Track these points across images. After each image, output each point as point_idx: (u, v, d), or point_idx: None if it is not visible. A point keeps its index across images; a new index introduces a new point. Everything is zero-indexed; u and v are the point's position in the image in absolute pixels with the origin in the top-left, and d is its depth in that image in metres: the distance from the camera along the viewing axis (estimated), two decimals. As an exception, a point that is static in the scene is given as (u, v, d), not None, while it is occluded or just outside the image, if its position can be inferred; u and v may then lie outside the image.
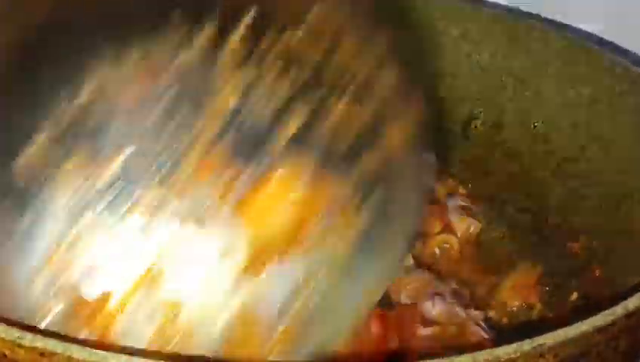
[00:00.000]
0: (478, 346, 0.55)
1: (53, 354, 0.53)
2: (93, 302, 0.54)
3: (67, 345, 0.53)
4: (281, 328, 0.54)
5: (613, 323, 0.59)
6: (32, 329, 0.54)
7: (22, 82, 0.55)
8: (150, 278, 0.53)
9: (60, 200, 0.52)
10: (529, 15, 1.04)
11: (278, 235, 0.55)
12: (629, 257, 0.81)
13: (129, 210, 0.53)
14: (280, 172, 0.54)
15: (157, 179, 0.53)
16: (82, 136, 0.54)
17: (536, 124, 0.94)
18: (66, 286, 0.54)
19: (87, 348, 0.53)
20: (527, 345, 0.56)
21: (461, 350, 0.55)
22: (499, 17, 0.96)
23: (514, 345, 0.56)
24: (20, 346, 0.54)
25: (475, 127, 0.98)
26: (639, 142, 0.83)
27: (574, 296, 0.83)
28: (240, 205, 0.54)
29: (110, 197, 0.53)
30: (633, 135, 0.84)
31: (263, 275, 0.54)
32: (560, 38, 0.92)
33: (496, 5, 1.06)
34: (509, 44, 0.96)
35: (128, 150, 0.53)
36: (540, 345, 0.56)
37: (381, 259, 0.61)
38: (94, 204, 0.53)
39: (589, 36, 1.05)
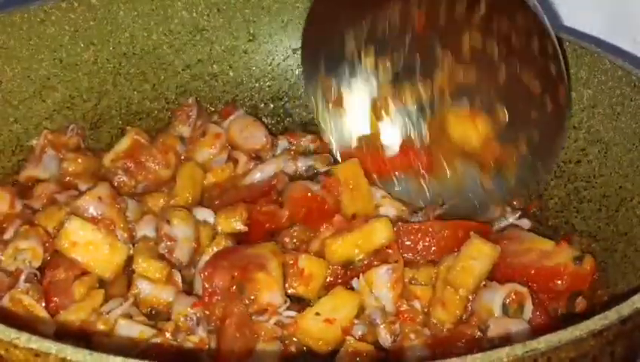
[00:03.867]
0: (470, 350, 0.55)
1: (47, 354, 0.54)
2: None
3: (61, 346, 0.54)
4: None
5: (607, 329, 0.59)
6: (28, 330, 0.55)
7: None
8: None
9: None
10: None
11: None
12: (628, 260, 0.81)
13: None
14: None
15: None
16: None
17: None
18: None
19: (81, 349, 0.53)
20: (519, 349, 0.56)
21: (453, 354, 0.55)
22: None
23: (507, 349, 0.56)
24: (15, 347, 0.54)
25: (477, 128, 0.98)
26: (639, 146, 0.83)
27: (572, 299, 0.83)
28: None
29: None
30: (633, 138, 0.84)
31: None
32: (560, 40, 0.92)
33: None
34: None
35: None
36: (533, 350, 0.56)
37: None
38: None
39: (589, 39, 1.05)
